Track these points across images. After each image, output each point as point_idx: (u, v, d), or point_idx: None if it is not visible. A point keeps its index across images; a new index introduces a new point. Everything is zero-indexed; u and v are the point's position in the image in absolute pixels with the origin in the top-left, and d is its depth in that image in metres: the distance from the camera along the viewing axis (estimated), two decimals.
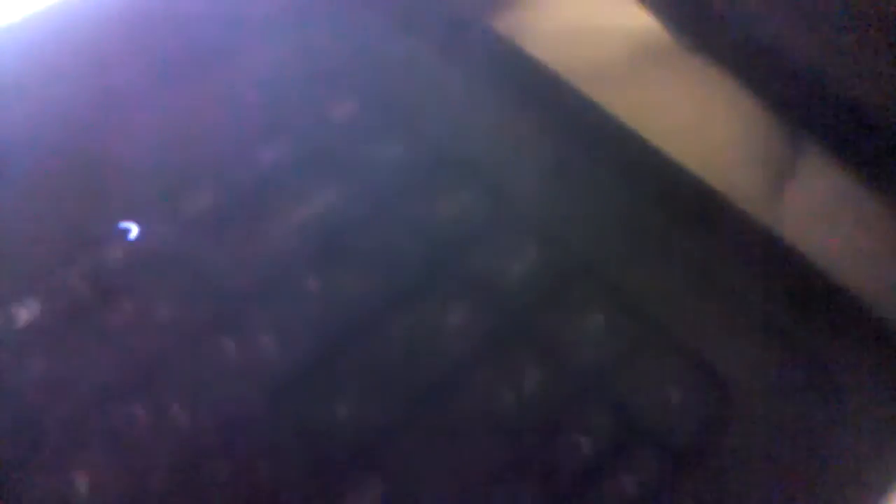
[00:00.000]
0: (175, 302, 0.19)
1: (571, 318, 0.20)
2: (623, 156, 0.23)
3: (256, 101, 0.23)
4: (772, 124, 0.26)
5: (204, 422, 0.18)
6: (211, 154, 0.22)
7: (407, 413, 0.19)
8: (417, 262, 0.21)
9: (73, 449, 0.17)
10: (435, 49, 0.24)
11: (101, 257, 0.20)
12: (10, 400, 0.18)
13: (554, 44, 0.27)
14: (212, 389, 0.18)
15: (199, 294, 0.20)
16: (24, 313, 0.19)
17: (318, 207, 0.21)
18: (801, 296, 0.21)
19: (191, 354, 0.19)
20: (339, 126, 0.23)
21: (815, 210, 0.25)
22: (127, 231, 0.20)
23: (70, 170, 0.21)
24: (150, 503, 0.17)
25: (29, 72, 0.22)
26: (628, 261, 0.21)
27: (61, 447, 0.17)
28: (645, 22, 0.28)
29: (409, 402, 0.19)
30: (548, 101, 0.24)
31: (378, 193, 0.22)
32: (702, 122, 0.26)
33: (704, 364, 0.20)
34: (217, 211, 0.21)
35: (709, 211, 0.22)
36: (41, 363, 0.18)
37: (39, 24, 0.23)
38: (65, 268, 0.20)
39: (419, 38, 0.25)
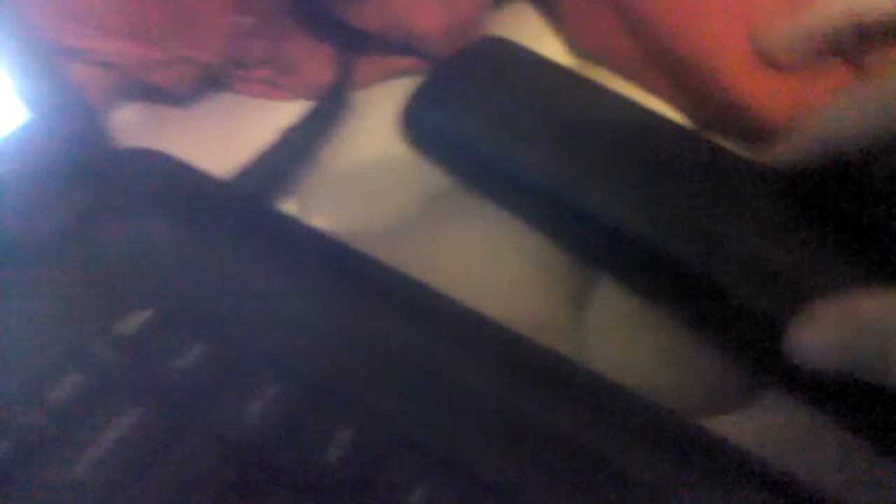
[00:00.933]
0: None
1: (396, 495, 0.20)
2: (423, 316, 0.23)
3: (41, 330, 0.22)
4: (563, 257, 0.27)
5: None
6: None
7: None
8: (231, 473, 0.20)
9: None
10: (225, 242, 0.25)
11: None
12: None
13: (344, 210, 0.28)
14: None
15: None
16: None
17: (118, 436, 0.20)
18: (617, 424, 0.21)
19: None
20: (133, 341, 0.22)
21: (615, 331, 0.26)
22: None
23: None
24: None
25: None
26: (448, 426, 0.21)
27: None
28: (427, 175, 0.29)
29: None
30: (348, 278, 0.24)
31: (181, 407, 0.21)
32: (495, 266, 0.27)
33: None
34: (11, 461, 0.20)
35: (518, 358, 0.22)
36: None
37: None
38: None
39: (209, 234, 0.25)
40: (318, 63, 0.32)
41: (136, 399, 0.21)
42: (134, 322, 0.23)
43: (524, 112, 0.28)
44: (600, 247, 0.27)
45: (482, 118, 0.28)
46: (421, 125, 0.29)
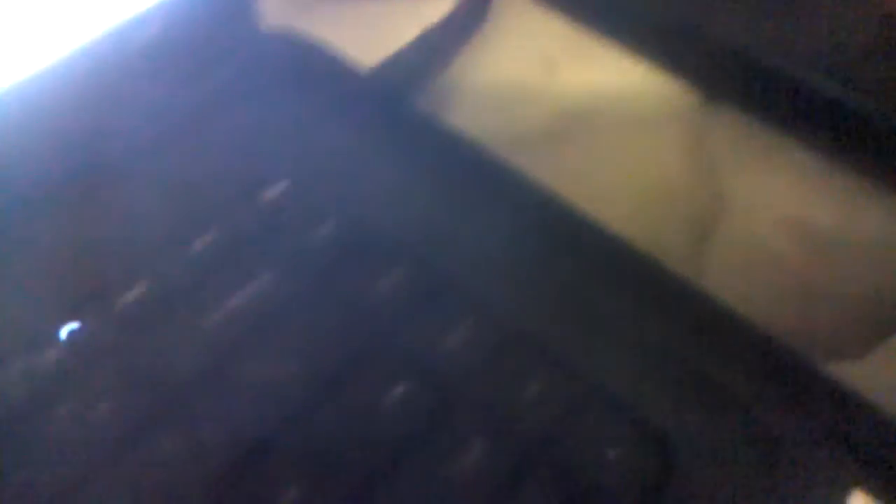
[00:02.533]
0: (112, 399, 0.19)
1: (509, 386, 0.20)
2: (549, 222, 0.23)
3: (186, 189, 0.23)
4: (693, 179, 0.27)
5: None
6: (142, 245, 0.22)
7: (352, 499, 0.19)
8: (354, 341, 0.21)
9: None
10: (363, 129, 0.25)
11: (35, 360, 0.20)
12: None
13: (478, 117, 0.28)
14: (152, 490, 0.18)
15: (137, 389, 0.20)
16: None
17: (251, 293, 0.21)
18: (733, 349, 0.21)
19: (130, 452, 0.19)
20: (270, 208, 0.23)
21: (737, 261, 0.26)
22: (59, 332, 0.20)
23: None
24: None
25: None
26: (561, 325, 0.21)
27: None
28: (567, 88, 0.29)
29: (353, 486, 0.19)
30: (474, 176, 0.24)
31: (311, 275, 0.22)
32: (625, 184, 0.27)
33: (641, 421, 0.20)
34: (151, 303, 0.21)
35: (636, 271, 0.22)
36: None
37: None
38: None
39: (347, 120, 0.25)
40: None
41: (270, 263, 0.22)
42: (272, 191, 0.23)
43: None
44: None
45: None
46: None
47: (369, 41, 0.29)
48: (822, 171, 0.27)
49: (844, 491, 0.19)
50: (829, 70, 0.26)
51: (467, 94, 0.30)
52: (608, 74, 0.31)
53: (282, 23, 0.28)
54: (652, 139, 0.29)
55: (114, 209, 0.23)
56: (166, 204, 0.23)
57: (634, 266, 0.23)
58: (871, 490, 0.19)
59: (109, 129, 0.24)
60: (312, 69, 0.27)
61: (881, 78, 0.26)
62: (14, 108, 0.23)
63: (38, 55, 0.23)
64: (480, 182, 0.24)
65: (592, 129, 0.28)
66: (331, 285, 0.22)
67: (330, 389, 0.20)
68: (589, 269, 0.23)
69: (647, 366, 0.21)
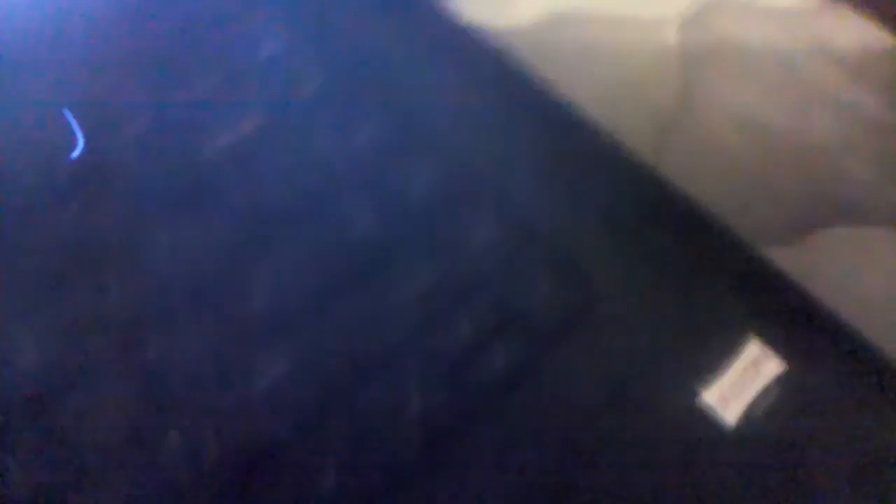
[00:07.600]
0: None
1: (464, 231, 0.23)
2: (545, 115, 0.26)
3: (196, 34, 0.26)
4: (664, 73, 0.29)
5: None
6: (149, 80, 0.25)
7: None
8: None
9: None
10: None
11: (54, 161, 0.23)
12: None
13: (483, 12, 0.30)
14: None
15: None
16: None
17: (244, 131, 0.24)
18: (676, 224, 0.24)
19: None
20: (266, 63, 0.26)
21: (693, 152, 0.28)
22: (77, 143, 0.23)
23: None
24: None
25: None
26: (514, 177, 0.24)
27: None
28: None
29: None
30: (491, 74, 0.26)
31: (296, 119, 0.24)
32: (604, 73, 0.29)
33: (570, 263, 0.23)
34: (155, 132, 0.24)
35: (607, 153, 0.25)
36: None
37: None
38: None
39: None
40: None
41: (261, 106, 0.24)
42: (268, 48, 0.26)
43: None
44: None
45: None
46: None
47: None
48: (782, 82, 0.29)
49: (742, 335, 0.22)
50: None
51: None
52: None
53: None
54: (639, 36, 0.31)
55: (127, 41, 0.25)
56: (170, 44, 0.25)
57: (606, 149, 0.25)
58: (767, 338, 0.22)
59: None
60: None
61: None
62: None
63: None
64: (489, 74, 0.26)
65: (585, 21, 0.30)
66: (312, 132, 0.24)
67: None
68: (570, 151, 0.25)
69: (593, 224, 0.23)
